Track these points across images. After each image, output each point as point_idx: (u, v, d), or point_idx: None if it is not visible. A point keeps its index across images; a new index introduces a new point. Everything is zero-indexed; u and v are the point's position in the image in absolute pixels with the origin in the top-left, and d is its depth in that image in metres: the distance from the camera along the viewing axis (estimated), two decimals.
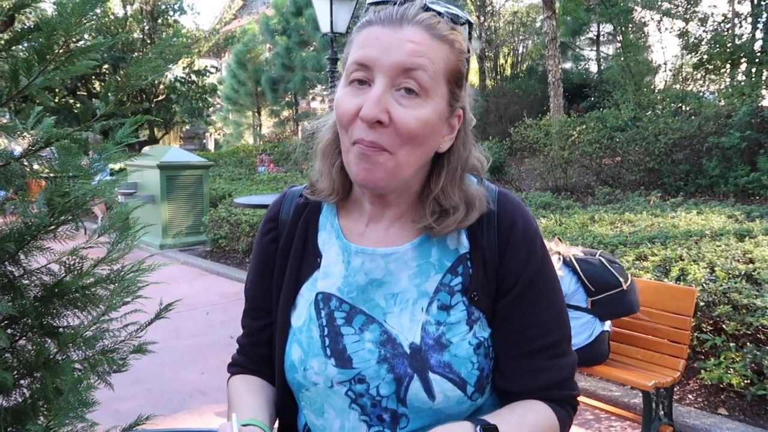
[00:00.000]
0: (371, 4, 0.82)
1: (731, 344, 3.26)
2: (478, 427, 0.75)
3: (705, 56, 11.89)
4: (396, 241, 0.89)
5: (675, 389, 3.03)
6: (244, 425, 0.82)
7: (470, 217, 0.86)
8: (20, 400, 1.60)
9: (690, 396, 3.40)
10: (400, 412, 0.84)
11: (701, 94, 11.95)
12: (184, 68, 20.56)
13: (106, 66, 17.52)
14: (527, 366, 0.85)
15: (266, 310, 0.96)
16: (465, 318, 0.85)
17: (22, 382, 1.58)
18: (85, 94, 18.00)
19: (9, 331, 1.60)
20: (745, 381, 3.21)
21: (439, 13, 0.79)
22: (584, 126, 9.92)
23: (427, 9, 0.79)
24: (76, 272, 1.69)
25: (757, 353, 3.09)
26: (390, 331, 0.85)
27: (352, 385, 0.85)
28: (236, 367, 1.02)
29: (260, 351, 0.98)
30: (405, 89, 0.76)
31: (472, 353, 0.84)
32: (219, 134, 25.98)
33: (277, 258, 0.95)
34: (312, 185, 0.94)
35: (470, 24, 0.84)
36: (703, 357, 3.48)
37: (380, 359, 0.84)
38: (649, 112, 10.42)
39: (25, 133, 1.61)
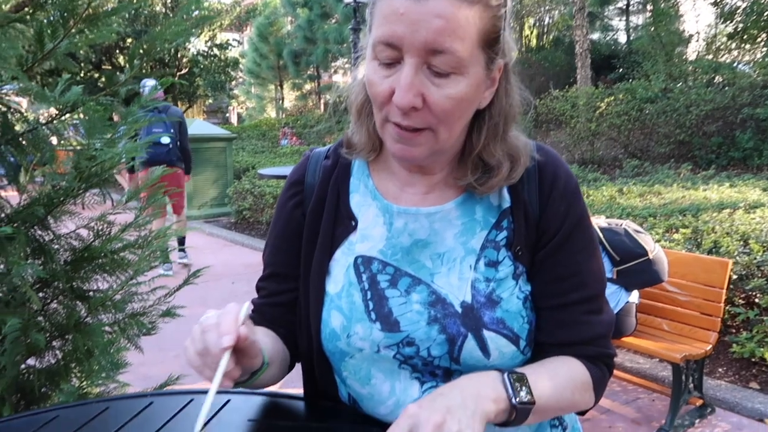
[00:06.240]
0: None
1: (764, 318, 3.18)
2: (506, 374, 0.74)
3: (740, 25, 11.48)
4: (438, 200, 0.86)
5: (705, 363, 2.98)
6: None
7: (515, 174, 0.82)
8: (53, 361, 1.62)
9: (720, 369, 3.34)
10: (453, 368, 0.82)
11: (735, 64, 11.57)
12: (206, 42, 20.55)
13: (129, 40, 17.58)
14: (562, 318, 0.84)
15: (289, 276, 0.92)
16: (512, 273, 0.83)
17: (54, 343, 1.60)
18: (110, 68, 18.11)
19: (41, 294, 1.62)
20: None
21: None
22: (612, 98, 9.69)
23: None
24: (104, 237, 1.70)
25: None
26: (439, 292, 0.83)
27: (400, 348, 0.82)
28: None
29: (276, 312, 0.94)
30: (437, 73, 0.71)
31: (521, 307, 0.82)
32: (242, 108, 26.03)
33: (306, 222, 0.91)
34: (348, 142, 0.90)
35: None
36: (734, 331, 3.41)
37: (430, 320, 0.82)
38: (681, 84, 10.14)
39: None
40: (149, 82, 5.29)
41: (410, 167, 0.86)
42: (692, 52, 13.66)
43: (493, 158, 0.82)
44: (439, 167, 0.85)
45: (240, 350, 0.71)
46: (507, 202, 0.85)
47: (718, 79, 10.39)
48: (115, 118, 2.15)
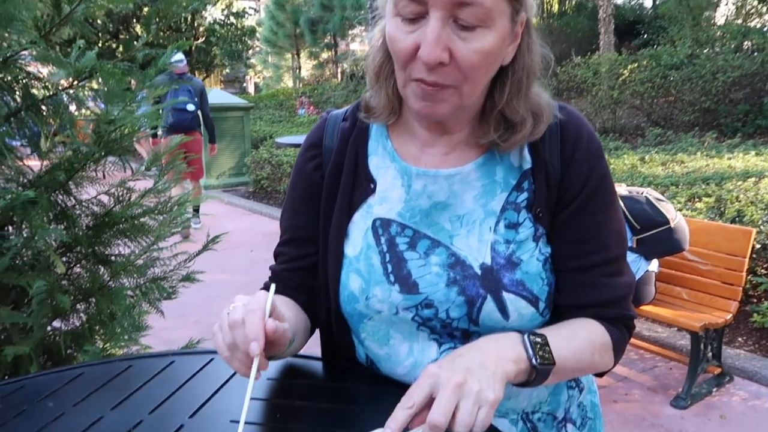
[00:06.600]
0: None
1: None
2: (526, 336, 0.73)
3: None
4: (458, 161, 0.84)
5: (724, 332, 2.96)
6: None
7: (538, 130, 0.81)
8: (77, 324, 1.66)
9: (740, 339, 3.32)
10: (472, 330, 0.82)
11: (766, 29, 11.18)
12: (222, 10, 20.38)
13: (146, 9, 17.50)
14: (582, 280, 0.83)
15: (309, 240, 0.92)
16: (532, 234, 0.82)
17: (78, 306, 1.63)
18: (127, 37, 18.06)
19: (64, 258, 1.65)
20: None
21: None
22: (636, 64, 9.45)
23: None
24: (124, 203, 1.72)
25: None
26: (458, 254, 0.82)
27: (419, 310, 0.82)
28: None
29: (296, 277, 0.93)
30: (463, 26, 0.70)
31: (541, 269, 0.82)
32: (259, 77, 25.91)
33: (324, 185, 0.90)
34: (366, 105, 0.89)
35: None
36: (756, 300, 3.37)
37: (449, 282, 0.81)
38: (707, 49, 9.84)
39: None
40: (177, 56, 5.41)
41: (431, 126, 0.84)
42: (721, 16, 13.25)
43: (516, 114, 0.80)
44: (460, 126, 0.84)
45: (269, 342, 0.69)
46: (528, 164, 0.83)
47: (747, 44, 10.07)
48: (134, 84, 2.15)
